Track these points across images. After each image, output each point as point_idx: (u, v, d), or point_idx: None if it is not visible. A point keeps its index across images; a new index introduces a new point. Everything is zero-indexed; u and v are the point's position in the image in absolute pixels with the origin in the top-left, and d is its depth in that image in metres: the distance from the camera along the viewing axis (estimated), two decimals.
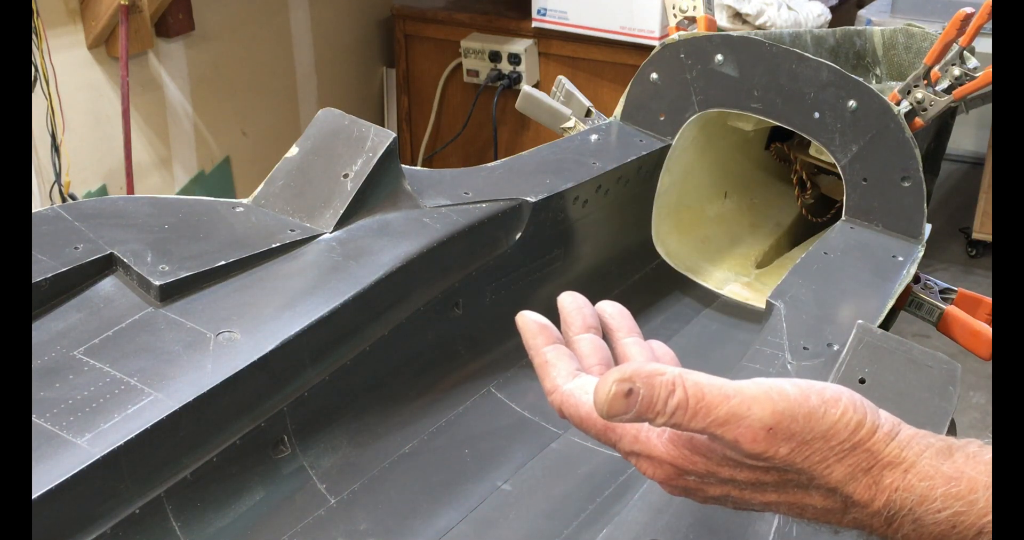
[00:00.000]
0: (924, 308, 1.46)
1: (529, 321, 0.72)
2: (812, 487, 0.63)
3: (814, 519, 0.65)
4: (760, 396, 0.60)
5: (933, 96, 1.45)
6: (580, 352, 0.71)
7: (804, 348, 1.14)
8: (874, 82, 1.83)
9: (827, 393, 0.62)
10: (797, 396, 0.61)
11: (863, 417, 0.62)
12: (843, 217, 1.45)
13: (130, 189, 2.49)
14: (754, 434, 0.60)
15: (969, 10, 1.38)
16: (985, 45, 1.37)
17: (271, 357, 0.99)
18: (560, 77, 1.72)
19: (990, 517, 0.60)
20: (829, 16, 2.91)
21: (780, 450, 0.60)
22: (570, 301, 0.75)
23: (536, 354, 0.71)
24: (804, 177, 1.76)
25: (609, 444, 0.68)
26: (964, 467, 0.61)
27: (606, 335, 0.74)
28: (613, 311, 0.76)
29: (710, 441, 0.63)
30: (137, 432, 0.88)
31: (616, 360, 0.73)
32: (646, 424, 0.65)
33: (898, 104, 1.44)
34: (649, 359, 0.72)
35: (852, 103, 1.41)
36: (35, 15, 2.19)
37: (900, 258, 1.36)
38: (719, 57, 1.49)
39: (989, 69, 1.41)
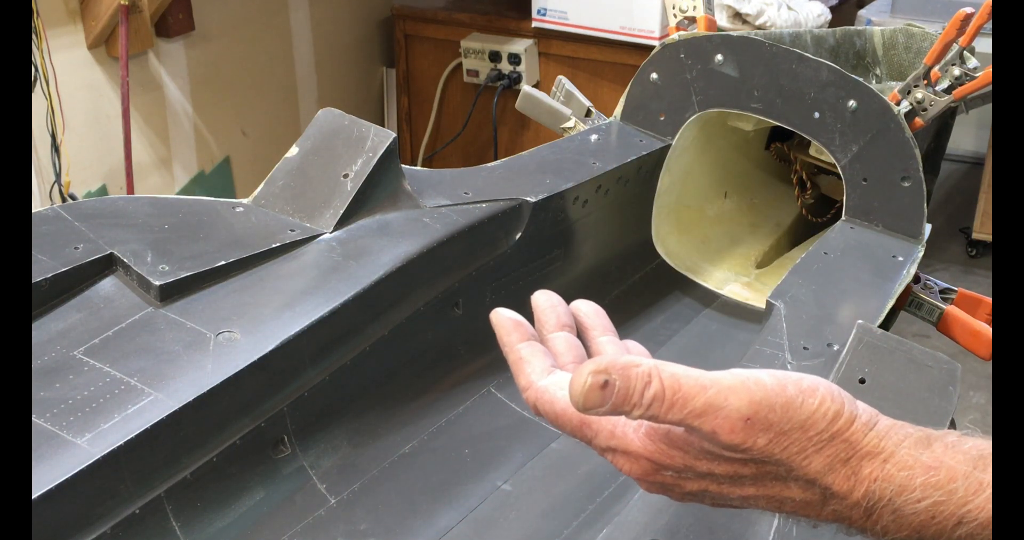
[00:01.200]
0: (924, 308, 1.46)
1: (503, 318, 0.71)
2: (790, 479, 0.63)
3: (793, 512, 0.65)
4: (737, 386, 0.60)
5: (933, 96, 1.45)
6: (555, 350, 0.70)
7: (804, 348, 1.14)
8: (874, 82, 1.83)
9: (804, 383, 0.61)
10: (774, 386, 0.60)
11: (841, 407, 0.61)
12: (843, 217, 1.45)
13: (130, 189, 2.49)
14: (732, 425, 0.59)
15: (969, 10, 1.38)
16: (985, 45, 1.37)
17: (271, 357, 0.99)
18: (560, 77, 1.72)
19: (969, 507, 0.60)
20: (829, 16, 2.91)
21: (758, 441, 0.60)
22: (544, 299, 0.74)
23: (510, 351, 0.70)
24: (804, 177, 1.76)
25: (585, 440, 0.67)
26: (943, 457, 0.61)
27: (581, 334, 0.73)
28: (588, 310, 0.75)
29: (687, 434, 0.62)
30: (137, 432, 0.88)
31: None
32: (622, 419, 0.65)
33: (898, 104, 1.44)
34: None
35: (852, 103, 1.41)
36: (35, 15, 2.19)
37: (900, 258, 1.36)
38: (719, 57, 1.49)
39: (989, 69, 1.41)
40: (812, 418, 0.61)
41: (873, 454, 0.61)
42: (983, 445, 0.62)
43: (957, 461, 0.61)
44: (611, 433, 0.65)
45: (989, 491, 0.60)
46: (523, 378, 0.68)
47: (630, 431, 0.65)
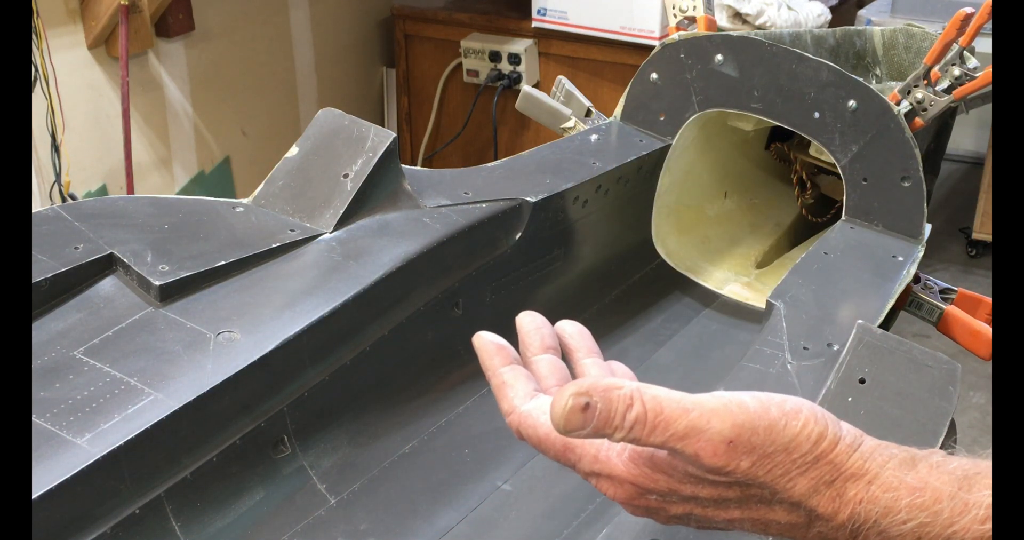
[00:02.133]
0: (924, 308, 1.46)
1: (486, 341, 0.71)
2: (775, 502, 0.62)
3: (779, 535, 0.64)
4: (719, 409, 0.59)
5: (933, 96, 1.45)
6: (538, 373, 0.70)
7: (804, 348, 1.14)
8: (874, 82, 1.83)
9: (787, 405, 0.61)
10: (757, 409, 0.60)
11: (824, 429, 0.61)
12: (843, 217, 1.45)
13: (130, 189, 2.49)
14: (714, 448, 0.59)
15: (969, 10, 1.38)
16: (985, 45, 1.37)
17: (271, 357, 0.99)
18: (560, 77, 1.72)
19: (955, 528, 0.60)
20: (829, 16, 2.91)
21: (741, 464, 0.60)
22: (528, 321, 0.73)
23: (493, 375, 0.69)
24: (804, 177, 1.76)
25: (569, 465, 0.66)
26: (928, 477, 0.61)
27: (565, 356, 0.73)
28: (573, 331, 0.75)
29: (671, 457, 0.62)
30: (137, 432, 0.88)
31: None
32: (606, 443, 0.64)
33: (898, 104, 1.44)
34: None
35: (852, 103, 1.41)
36: (35, 15, 2.19)
37: (900, 258, 1.36)
38: (719, 57, 1.49)
39: (989, 69, 1.41)
40: (796, 440, 0.60)
41: (858, 476, 0.61)
42: (968, 465, 0.62)
43: (942, 482, 0.61)
44: (595, 457, 0.65)
45: (975, 512, 0.60)
46: (506, 403, 0.68)
47: (613, 455, 0.64)
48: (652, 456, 0.63)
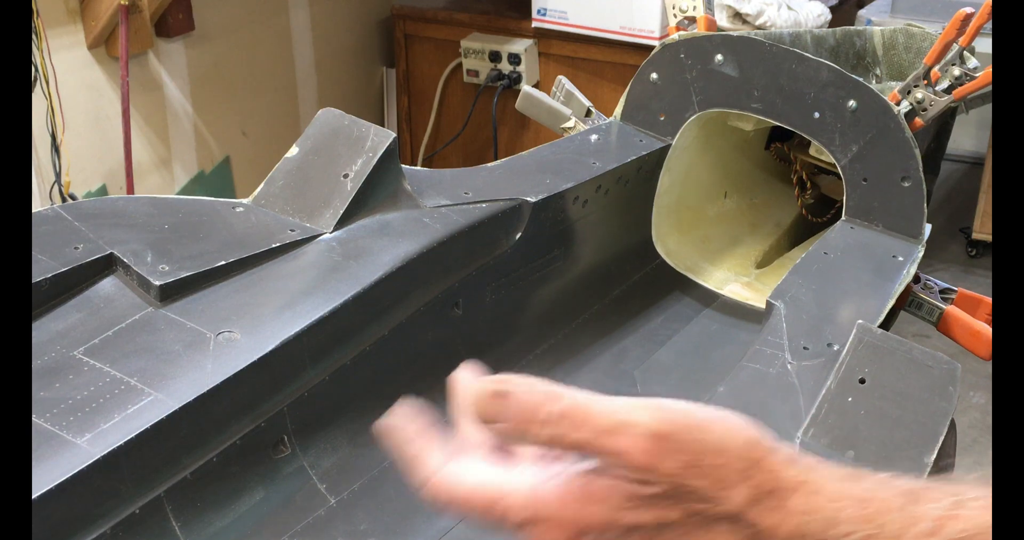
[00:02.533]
0: (924, 308, 1.46)
1: (398, 414, 0.66)
2: (716, 521, 0.60)
3: None
4: (648, 406, 0.58)
5: (933, 96, 1.45)
6: (465, 434, 0.64)
7: (804, 348, 1.14)
8: (874, 82, 1.83)
9: (717, 413, 0.60)
10: (684, 409, 0.59)
11: (756, 436, 0.60)
12: (843, 217, 1.45)
13: (130, 189, 2.49)
14: (642, 444, 0.57)
15: (969, 10, 1.38)
16: (985, 45, 1.37)
17: (271, 357, 0.99)
18: (560, 77, 1.72)
19: None
20: (829, 16, 2.91)
21: (671, 463, 0.58)
22: (464, 378, 0.67)
23: (405, 449, 0.64)
24: (804, 177, 1.76)
25: (498, 520, 0.61)
26: (875, 490, 0.60)
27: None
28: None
29: (606, 480, 0.59)
30: (137, 432, 0.88)
31: None
32: (537, 484, 0.61)
33: (898, 104, 1.44)
34: None
35: (852, 103, 1.41)
36: (35, 15, 2.19)
37: (900, 258, 1.36)
38: (719, 57, 1.49)
39: (989, 69, 1.42)
40: (724, 442, 0.59)
41: (799, 486, 0.59)
42: (915, 482, 0.61)
43: (890, 494, 0.59)
44: (525, 502, 0.61)
45: (923, 525, 0.59)
46: (418, 475, 0.62)
47: (545, 494, 0.61)
48: (585, 486, 0.60)
